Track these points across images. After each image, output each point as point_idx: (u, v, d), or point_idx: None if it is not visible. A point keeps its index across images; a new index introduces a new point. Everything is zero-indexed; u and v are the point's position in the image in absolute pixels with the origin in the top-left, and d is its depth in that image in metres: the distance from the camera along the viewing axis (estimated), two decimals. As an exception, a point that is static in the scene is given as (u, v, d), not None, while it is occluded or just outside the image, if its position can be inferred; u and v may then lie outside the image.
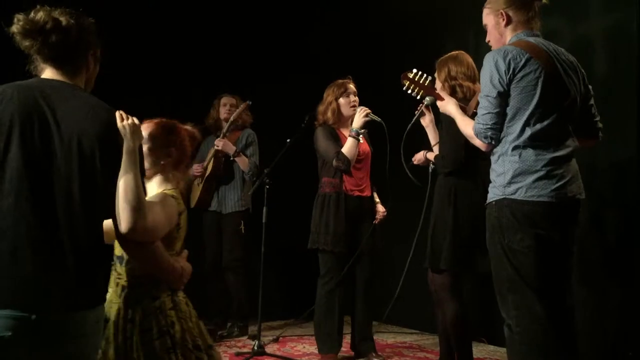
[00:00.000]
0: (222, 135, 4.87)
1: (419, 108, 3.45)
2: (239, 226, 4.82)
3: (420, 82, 3.16)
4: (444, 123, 3.29)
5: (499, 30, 2.67)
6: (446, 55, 3.47)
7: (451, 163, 3.29)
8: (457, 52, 3.48)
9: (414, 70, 3.18)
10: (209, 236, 4.97)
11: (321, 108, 4.16)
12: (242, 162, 4.89)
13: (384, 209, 4.16)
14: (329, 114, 4.10)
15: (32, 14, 1.72)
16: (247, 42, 5.86)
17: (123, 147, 1.74)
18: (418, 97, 3.25)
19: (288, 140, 4.30)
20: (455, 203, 3.30)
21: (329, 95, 4.13)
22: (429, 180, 3.45)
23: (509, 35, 2.64)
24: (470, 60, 3.44)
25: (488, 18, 2.71)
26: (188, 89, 5.38)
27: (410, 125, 3.42)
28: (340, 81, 4.15)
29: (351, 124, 4.02)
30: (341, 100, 4.09)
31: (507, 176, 2.49)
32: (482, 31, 2.80)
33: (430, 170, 3.51)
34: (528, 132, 2.47)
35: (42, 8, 1.74)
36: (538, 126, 2.47)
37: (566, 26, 4.08)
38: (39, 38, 1.72)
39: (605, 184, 3.85)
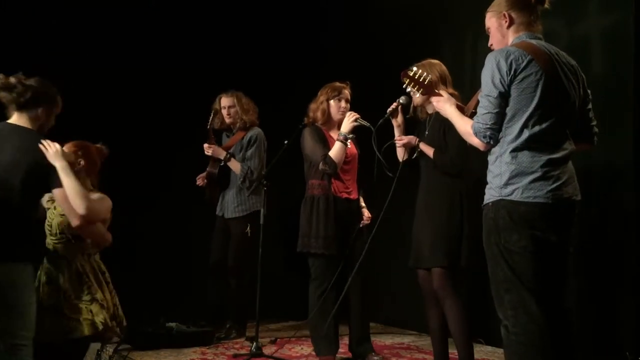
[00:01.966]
0: (209, 140, 4.86)
1: (393, 105, 3.46)
2: (244, 230, 4.76)
3: (420, 80, 3.17)
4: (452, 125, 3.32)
5: (501, 32, 2.68)
6: (426, 61, 3.50)
7: (460, 164, 3.36)
8: (432, 59, 3.53)
9: (414, 68, 3.18)
10: (215, 239, 4.96)
11: (313, 106, 4.14)
12: (234, 167, 4.87)
13: (369, 215, 4.14)
14: (319, 113, 4.08)
15: (9, 78, 2.74)
16: (246, 42, 5.87)
17: (53, 167, 2.70)
18: (417, 95, 3.26)
19: (285, 142, 4.29)
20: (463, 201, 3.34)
21: (321, 95, 4.11)
22: (399, 168, 3.43)
23: (511, 37, 2.65)
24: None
25: (491, 21, 2.72)
26: (189, 90, 5.39)
27: (381, 120, 3.43)
28: (337, 84, 4.11)
29: (339, 127, 4.00)
30: (332, 103, 4.07)
31: (504, 177, 2.49)
32: (481, 33, 2.81)
33: (409, 157, 3.50)
34: (526, 134, 2.48)
35: (17, 75, 2.76)
36: (536, 128, 2.48)
37: (564, 27, 4.08)
38: (11, 93, 2.74)
39: (601, 187, 3.85)
